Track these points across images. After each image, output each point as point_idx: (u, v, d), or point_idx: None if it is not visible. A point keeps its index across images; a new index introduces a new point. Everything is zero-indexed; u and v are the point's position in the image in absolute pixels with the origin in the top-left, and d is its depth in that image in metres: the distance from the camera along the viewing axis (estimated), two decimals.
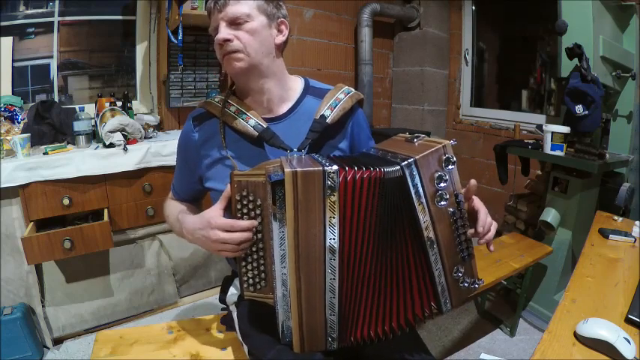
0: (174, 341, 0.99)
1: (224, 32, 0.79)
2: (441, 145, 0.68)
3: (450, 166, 0.68)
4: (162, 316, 1.92)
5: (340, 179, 0.65)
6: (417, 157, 0.67)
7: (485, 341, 1.78)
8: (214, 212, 0.75)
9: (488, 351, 1.70)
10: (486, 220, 0.77)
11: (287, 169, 0.64)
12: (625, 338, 0.71)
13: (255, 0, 0.81)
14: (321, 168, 0.65)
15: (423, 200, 0.68)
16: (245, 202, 0.72)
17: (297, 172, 0.64)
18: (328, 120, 0.86)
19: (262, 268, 0.75)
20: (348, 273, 0.70)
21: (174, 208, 0.97)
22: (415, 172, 0.68)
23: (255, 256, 0.75)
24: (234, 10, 0.80)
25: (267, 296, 0.76)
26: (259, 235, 0.74)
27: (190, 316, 1.62)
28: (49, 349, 1.63)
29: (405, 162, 0.67)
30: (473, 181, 0.75)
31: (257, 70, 0.83)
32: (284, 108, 0.89)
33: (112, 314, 1.80)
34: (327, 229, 0.66)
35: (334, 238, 0.67)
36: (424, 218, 0.69)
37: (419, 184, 0.68)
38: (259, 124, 0.84)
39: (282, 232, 0.67)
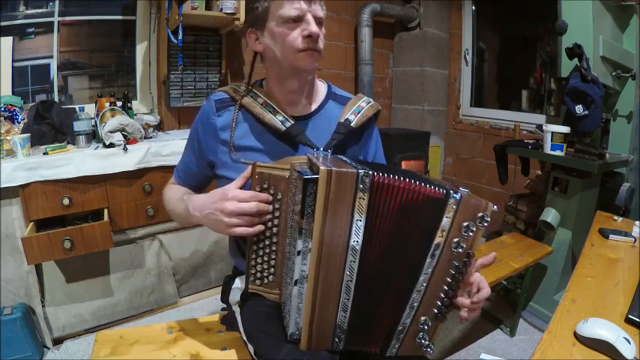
0: (174, 341, 0.99)
1: (316, 28, 0.79)
2: (485, 203, 0.66)
3: (482, 224, 0.66)
4: (162, 316, 1.92)
5: (370, 183, 0.65)
6: (464, 194, 0.66)
7: (485, 341, 1.78)
8: (231, 185, 0.74)
9: (488, 351, 1.70)
10: (474, 298, 0.72)
11: (322, 167, 0.63)
12: (625, 338, 0.71)
13: (322, 9, 0.84)
14: (355, 170, 0.64)
15: (445, 235, 0.66)
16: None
17: (332, 172, 0.63)
18: (352, 124, 0.88)
19: (272, 262, 0.75)
20: (364, 276, 0.69)
21: (177, 190, 0.94)
22: (454, 207, 0.65)
23: (267, 250, 0.74)
24: (319, 10, 0.81)
25: (273, 292, 0.76)
26: (275, 230, 0.73)
27: (190, 316, 1.62)
28: (49, 349, 1.63)
29: (453, 192, 0.65)
30: (493, 254, 0.73)
31: (315, 70, 0.87)
32: (310, 108, 0.90)
33: (112, 314, 1.80)
34: (353, 231, 0.66)
35: (358, 241, 0.66)
36: (434, 251, 0.67)
37: (450, 220, 0.66)
38: (287, 119, 0.84)
39: (308, 228, 0.66)
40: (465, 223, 0.66)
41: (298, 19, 0.78)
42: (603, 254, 1.14)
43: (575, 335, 0.76)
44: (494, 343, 1.77)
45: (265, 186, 0.72)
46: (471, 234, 0.66)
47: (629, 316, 0.81)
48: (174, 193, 0.93)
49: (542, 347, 0.73)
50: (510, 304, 2.01)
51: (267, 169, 0.72)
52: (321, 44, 0.81)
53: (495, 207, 0.67)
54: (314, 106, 0.91)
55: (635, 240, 1.23)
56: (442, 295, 0.69)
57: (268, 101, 0.86)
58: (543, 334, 0.77)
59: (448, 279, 0.69)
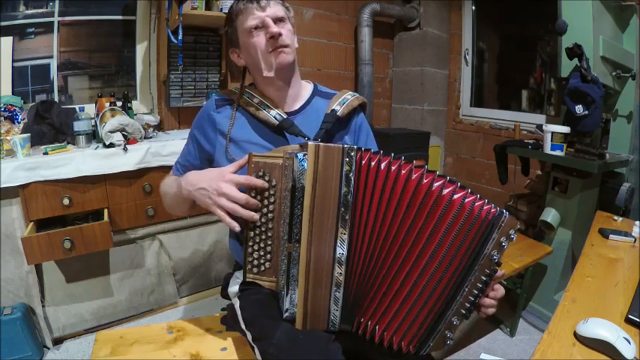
0: (174, 341, 0.99)
1: (275, 27, 0.87)
2: (516, 221, 0.73)
3: (511, 239, 0.72)
4: (162, 316, 1.92)
5: (357, 158, 0.71)
6: (508, 213, 0.72)
7: (485, 341, 1.78)
8: (227, 169, 0.79)
9: (488, 351, 1.70)
10: (491, 294, 0.78)
11: (310, 143, 0.69)
12: (625, 338, 0.71)
13: (282, 7, 0.92)
14: (341, 145, 0.71)
15: (490, 246, 0.71)
16: None
17: (319, 146, 0.70)
18: (339, 113, 0.95)
19: (269, 248, 0.77)
20: (356, 250, 0.73)
21: (173, 178, 0.99)
22: (503, 224, 0.71)
23: (263, 236, 0.77)
24: (276, 11, 0.89)
25: (270, 279, 0.78)
26: (270, 215, 0.76)
27: (190, 316, 1.62)
28: (49, 349, 1.63)
29: (505, 211, 0.72)
30: (503, 272, 0.79)
31: (294, 65, 0.95)
32: (297, 104, 0.99)
33: (112, 314, 1.80)
34: (341, 203, 0.70)
35: (347, 213, 0.70)
36: (481, 260, 0.72)
37: (498, 235, 0.71)
38: (279, 114, 0.92)
39: (300, 200, 0.71)
40: (502, 239, 0.72)
41: (260, 26, 0.88)
42: (603, 254, 1.14)
43: (575, 335, 0.76)
44: (494, 343, 1.77)
45: (260, 174, 0.76)
46: (504, 247, 0.72)
47: (629, 316, 0.81)
48: (171, 179, 0.99)
49: (542, 347, 0.73)
50: (510, 304, 2.01)
51: (261, 157, 0.77)
52: (286, 40, 0.89)
53: (518, 224, 0.75)
54: (300, 103, 0.99)
55: (635, 240, 1.23)
56: (472, 298, 0.73)
57: (263, 100, 0.95)
58: (543, 334, 0.77)
59: (479, 284, 0.73)
